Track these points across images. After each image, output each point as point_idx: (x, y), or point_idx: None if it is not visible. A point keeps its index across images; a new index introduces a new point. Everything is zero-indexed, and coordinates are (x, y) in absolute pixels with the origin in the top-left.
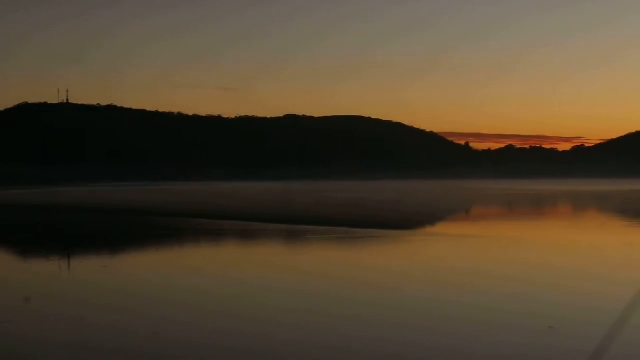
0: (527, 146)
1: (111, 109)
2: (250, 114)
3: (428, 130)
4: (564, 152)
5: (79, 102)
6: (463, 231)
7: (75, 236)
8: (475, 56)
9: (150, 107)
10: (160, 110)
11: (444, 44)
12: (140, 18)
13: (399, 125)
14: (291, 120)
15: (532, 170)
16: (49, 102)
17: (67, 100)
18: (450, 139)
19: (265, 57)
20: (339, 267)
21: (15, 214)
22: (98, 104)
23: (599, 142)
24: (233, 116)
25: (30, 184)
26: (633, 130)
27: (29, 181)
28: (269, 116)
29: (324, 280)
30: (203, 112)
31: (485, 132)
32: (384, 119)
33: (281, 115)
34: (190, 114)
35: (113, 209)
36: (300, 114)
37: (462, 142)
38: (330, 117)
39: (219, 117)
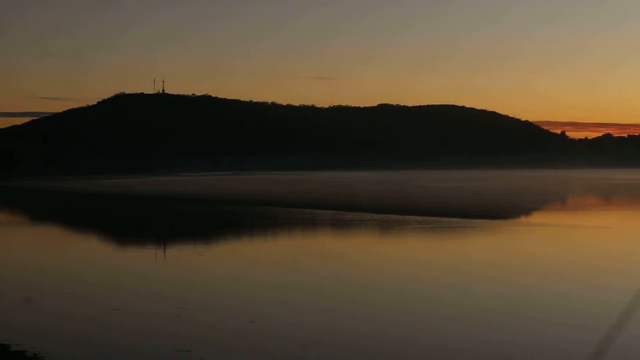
0: (625, 135)
1: (206, 99)
2: (344, 103)
3: (523, 119)
4: None
5: (174, 92)
6: (585, 222)
7: (175, 224)
8: (573, 45)
9: (244, 97)
10: (255, 100)
11: (528, 31)
12: (236, 11)
13: (494, 114)
14: (385, 109)
15: (630, 159)
16: (145, 92)
17: (163, 90)
18: (546, 127)
19: (361, 45)
20: (444, 260)
21: (124, 201)
22: (193, 94)
23: None
24: (327, 105)
25: (131, 173)
26: None
27: (129, 170)
28: (362, 105)
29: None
30: (297, 101)
31: (581, 120)
32: (478, 107)
33: (375, 104)
34: (284, 103)
35: (213, 199)
36: (394, 102)
37: (558, 131)
38: (424, 105)
39: (313, 107)
